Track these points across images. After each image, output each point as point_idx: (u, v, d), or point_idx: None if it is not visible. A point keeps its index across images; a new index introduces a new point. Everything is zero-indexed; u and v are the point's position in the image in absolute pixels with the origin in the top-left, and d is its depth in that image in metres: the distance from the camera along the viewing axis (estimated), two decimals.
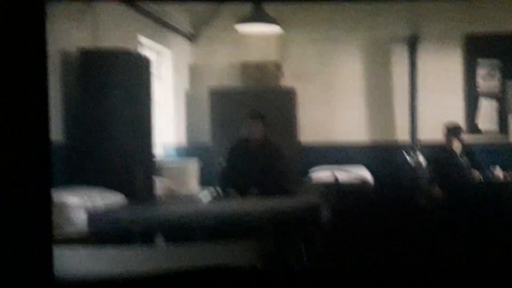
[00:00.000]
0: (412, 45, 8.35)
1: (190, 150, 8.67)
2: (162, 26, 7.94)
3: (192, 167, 8.24)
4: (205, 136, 8.51)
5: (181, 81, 8.69)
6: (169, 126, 8.33)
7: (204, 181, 8.14)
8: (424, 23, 8.39)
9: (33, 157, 1.96)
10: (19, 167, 1.92)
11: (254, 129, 6.06)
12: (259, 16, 6.98)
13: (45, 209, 2.01)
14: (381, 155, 8.43)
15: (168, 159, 7.91)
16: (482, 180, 7.11)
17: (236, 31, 8.64)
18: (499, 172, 7.37)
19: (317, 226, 4.56)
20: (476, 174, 7.11)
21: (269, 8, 7.25)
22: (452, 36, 8.40)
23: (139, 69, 5.70)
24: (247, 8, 8.29)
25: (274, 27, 7.15)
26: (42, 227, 2.00)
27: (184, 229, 4.57)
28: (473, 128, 8.30)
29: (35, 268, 1.97)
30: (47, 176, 2.02)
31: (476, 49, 8.35)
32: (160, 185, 6.37)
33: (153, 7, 7.45)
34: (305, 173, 8.14)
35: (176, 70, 8.45)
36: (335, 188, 5.74)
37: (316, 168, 8.16)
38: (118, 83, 5.47)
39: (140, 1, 7.04)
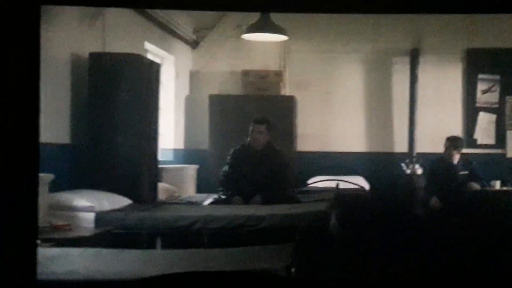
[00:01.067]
0: (414, 58, 8.44)
1: (188, 154, 8.72)
2: (166, 33, 7.99)
3: (191, 172, 8.30)
4: (203, 141, 8.56)
5: (182, 86, 8.74)
6: (168, 131, 8.36)
7: (202, 186, 8.20)
8: (426, 37, 8.48)
9: (20, 158, 1.94)
10: (5, 168, 1.90)
11: (258, 134, 6.10)
12: (267, 26, 7.04)
13: (31, 211, 2.00)
14: (379, 166, 8.50)
15: (167, 163, 7.94)
16: (481, 192, 7.19)
17: (237, 38, 8.73)
18: (497, 186, 7.47)
19: (324, 233, 4.60)
20: (475, 186, 7.20)
21: (271, 17, 7.32)
22: (453, 50, 8.49)
23: (148, 74, 5.74)
24: (250, 16, 8.39)
25: (282, 37, 7.22)
26: (27, 229, 1.99)
27: (193, 233, 4.62)
28: (470, 141, 8.38)
29: (18, 269, 1.96)
30: (34, 178, 2.00)
31: (476, 63, 8.45)
32: (162, 189, 6.40)
33: (159, 13, 7.50)
34: (303, 181, 8.18)
35: (178, 76, 8.50)
36: (340, 196, 5.77)
37: (314, 178, 8.19)
38: (127, 87, 5.51)
39: (147, 7, 7.07)
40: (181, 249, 3.49)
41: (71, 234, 4.16)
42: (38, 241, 3.60)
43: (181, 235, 4.62)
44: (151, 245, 4.52)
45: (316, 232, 4.55)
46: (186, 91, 8.87)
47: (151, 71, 5.83)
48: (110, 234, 4.40)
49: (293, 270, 2.45)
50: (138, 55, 5.84)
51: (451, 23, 8.36)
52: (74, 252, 3.09)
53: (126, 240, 4.39)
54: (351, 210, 6.10)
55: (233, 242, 4.41)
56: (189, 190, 7.99)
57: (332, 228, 4.64)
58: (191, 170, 8.26)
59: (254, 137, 6.12)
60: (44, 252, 3.00)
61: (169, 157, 8.29)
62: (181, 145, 8.71)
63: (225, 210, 5.01)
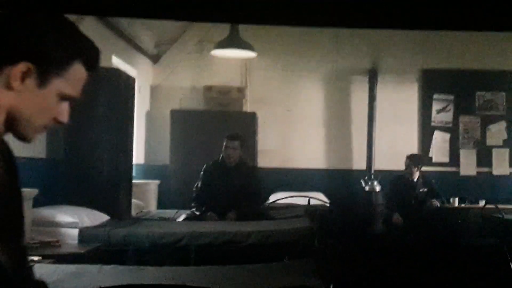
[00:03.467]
0: (372, 77, 8.65)
1: (149, 170, 8.65)
2: (129, 46, 7.93)
3: (152, 188, 8.23)
4: (164, 156, 8.52)
5: (143, 101, 8.67)
6: None
7: (163, 202, 8.15)
8: (383, 58, 8.72)
9: None
10: None
11: (231, 151, 6.12)
12: (236, 42, 7.09)
13: None
14: (339, 182, 8.64)
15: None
16: (440, 208, 7.42)
17: (199, 54, 8.76)
18: (456, 203, 7.72)
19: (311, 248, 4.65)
20: (435, 203, 7.42)
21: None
22: (409, 70, 8.76)
23: (124, 88, 5.69)
24: (212, 32, 8.44)
25: (250, 53, 7.28)
26: None
27: (180, 250, 4.61)
28: (426, 159, 8.60)
29: None
30: None
31: (432, 84, 8.73)
32: (133, 205, 6.33)
33: (123, 27, 7.45)
34: (264, 198, 8.21)
35: (140, 90, 8.43)
36: (312, 212, 5.86)
37: (275, 194, 8.24)
38: (105, 101, 5.44)
39: (112, 16, 6.99)
40: (201, 266, 3.48)
41: (62, 251, 4.08)
42: (39, 258, 3.54)
43: (168, 251, 4.60)
44: (139, 262, 4.47)
45: (304, 247, 4.61)
46: (146, 106, 8.81)
47: (128, 85, 5.78)
48: (100, 250, 4.33)
49: (331, 286, 2.49)
50: (116, 69, 5.80)
51: (408, 44, 8.63)
52: (92, 269, 3.04)
53: (115, 256, 4.33)
54: (323, 225, 6.18)
55: (222, 258, 4.42)
56: (151, 206, 7.93)
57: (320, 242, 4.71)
58: (153, 185, 8.20)
59: (227, 153, 6.15)
60: (64, 269, 2.95)
61: None
62: (141, 160, 8.64)
63: (210, 227, 5.01)
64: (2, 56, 1.46)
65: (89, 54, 1.59)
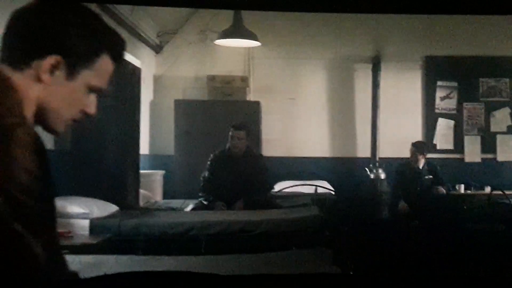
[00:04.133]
0: (375, 65, 8.64)
1: (153, 160, 8.65)
2: (132, 36, 7.92)
3: (158, 178, 8.24)
4: (169, 147, 8.52)
5: (147, 91, 8.66)
6: None
7: (168, 192, 8.16)
8: (387, 45, 8.70)
9: None
10: None
11: (237, 140, 6.13)
12: (240, 32, 7.07)
13: None
14: (344, 171, 8.64)
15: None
16: (447, 195, 7.44)
17: (201, 43, 8.75)
18: (462, 190, 7.74)
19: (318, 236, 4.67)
20: (441, 190, 7.44)
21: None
22: (412, 58, 8.74)
23: (131, 79, 5.70)
24: (214, 21, 8.44)
25: (254, 42, 7.27)
26: None
27: (191, 239, 4.62)
28: (430, 146, 8.61)
29: None
30: None
31: (435, 71, 8.72)
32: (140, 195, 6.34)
33: (125, 17, 7.43)
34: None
35: (143, 80, 8.41)
36: (320, 200, 5.87)
37: (280, 183, 8.25)
38: (111, 92, 5.43)
39: (114, 3, 6.95)
40: (212, 255, 3.49)
41: (75, 241, 4.10)
42: None
43: (179, 241, 4.61)
44: (151, 252, 4.48)
45: (313, 236, 4.62)
46: (150, 96, 8.81)
47: (134, 75, 5.78)
48: (111, 241, 4.34)
49: (351, 272, 2.51)
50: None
51: (411, 31, 8.60)
52: (109, 259, 3.06)
53: (127, 247, 4.35)
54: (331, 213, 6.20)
55: (232, 247, 4.44)
56: (157, 196, 7.93)
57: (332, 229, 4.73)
58: (158, 175, 8.21)
59: (234, 143, 6.16)
60: (81, 260, 2.97)
61: None
62: (146, 151, 8.63)
63: (220, 216, 5.02)
64: (32, 49, 1.47)
65: (116, 46, 1.60)
